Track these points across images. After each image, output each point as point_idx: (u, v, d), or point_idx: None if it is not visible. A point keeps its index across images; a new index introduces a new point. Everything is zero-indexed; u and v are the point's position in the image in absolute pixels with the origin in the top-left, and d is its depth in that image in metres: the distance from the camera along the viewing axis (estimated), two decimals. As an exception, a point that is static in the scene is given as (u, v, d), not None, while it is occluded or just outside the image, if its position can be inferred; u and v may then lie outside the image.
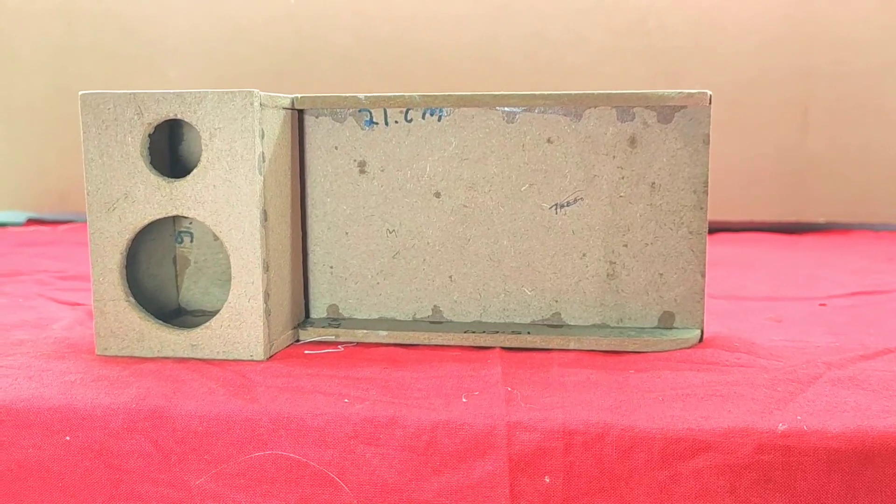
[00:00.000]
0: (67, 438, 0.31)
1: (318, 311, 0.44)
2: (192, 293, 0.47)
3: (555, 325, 0.43)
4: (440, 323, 0.43)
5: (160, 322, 0.39)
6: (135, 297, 0.39)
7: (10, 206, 1.09)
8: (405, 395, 0.33)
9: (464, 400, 0.32)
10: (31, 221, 1.07)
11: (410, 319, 0.44)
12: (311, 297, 0.44)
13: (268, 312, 0.39)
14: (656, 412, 0.31)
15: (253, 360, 0.38)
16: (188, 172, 0.39)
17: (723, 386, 0.34)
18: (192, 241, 0.46)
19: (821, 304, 0.54)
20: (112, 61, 1.06)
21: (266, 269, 0.38)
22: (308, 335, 0.42)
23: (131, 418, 0.31)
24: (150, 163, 0.39)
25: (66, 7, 1.05)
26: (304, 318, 0.44)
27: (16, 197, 1.09)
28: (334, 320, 0.44)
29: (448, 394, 0.33)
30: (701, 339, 0.42)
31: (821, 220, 0.98)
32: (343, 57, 1.02)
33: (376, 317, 0.44)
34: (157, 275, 0.45)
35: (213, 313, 0.46)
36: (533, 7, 0.95)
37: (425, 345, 0.42)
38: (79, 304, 0.51)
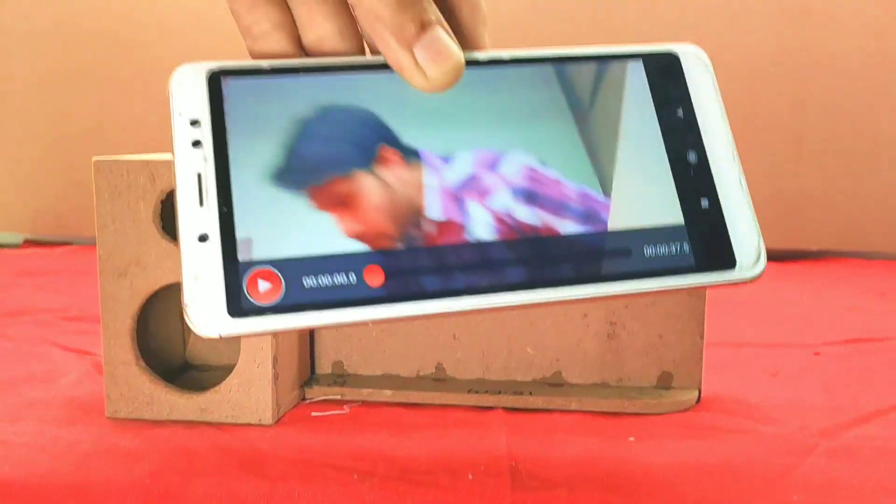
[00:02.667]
0: (82, 514, 0.32)
1: (324, 366, 0.45)
2: (198, 348, 0.47)
3: (556, 385, 0.44)
4: (443, 381, 0.44)
5: (170, 385, 0.40)
6: (143, 353, 0.40)
7: (6, 227, 1.09)
8: (413, 470, 0.34)
9: (470, 477, 0.33)
10: (28, 243, 1.07)
11: (414, 377, 0.45)
12: (317, 353, 0.45)
13: (276, 377, 0.39)
14: (657, 491, 0.32)
15: (262, 425, 0.39)
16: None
17: (721, 460, 0.35)
18: (199, 297, 0.47)
19: (815, 354, 0.55)
20: (109, 83, 1.06)
21: (275, 334, 0.39)
22: (314, 393, 0.43)
23: (146, 497, 0.32)
24: (162, 227, 0.39)
25: (63, 28, 1.05)
26: (309, 373, 0.45)
27: (12, 219, 1.09)
28: (339, 377, 0.44)
29: (454, 469, 0.34)
30: (699, 400, 0.43)
31: (814, 248, 1.00)
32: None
33: (380, 373, 0.45)
34: (164, 330, 0.45)
35: (219, 368, 0.46)
36: (527, 33, 0.96)
37: (429, 404, 0.42)
38: (84, 353, 0.51)
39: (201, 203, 0.27)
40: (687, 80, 0.33)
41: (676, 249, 0.31)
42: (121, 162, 0.39)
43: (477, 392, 0.43)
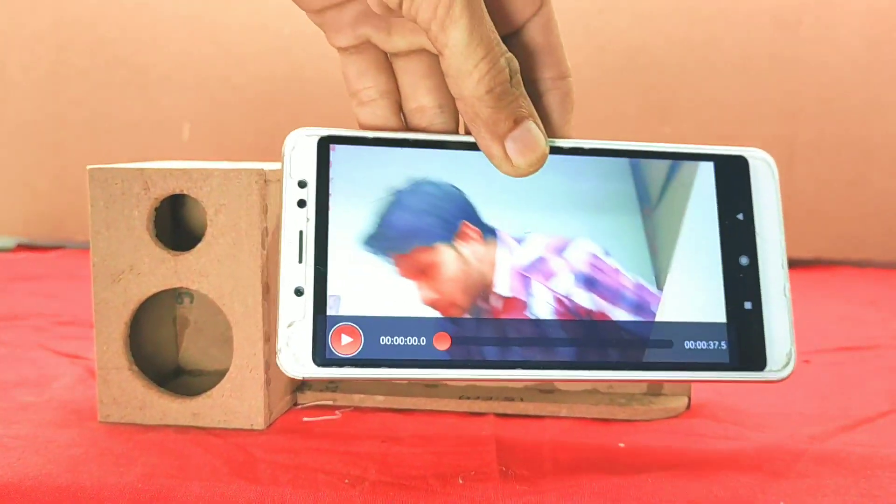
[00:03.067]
0: (74, 518, 0.32)
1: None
2: (191, 353, 0.47)
3: (546, 391, 0.44)
4: (435, 387, 0.44)
5: (162, 390, 0.40)
6: (135, 357, 0.40)
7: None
8: (404, 475, 0.34)
9: (460, 481, 0.34)
10: (21, 247, 1.07)
11: (406, 382, 0.45)
12: (309, 358, 0.45)
13: (268, 382, 0.40)
14: (646, 497, 0.32)
15: (253, 430, 0.39)
16: (191, 238, 0.40)
17: (710, 465, 0.36)
18: (191, 302, 0.47)
19: (805, 361, 0.55)
20: (104, 88, 1.06)
21: (267, 339, 0.39)
22: (306, 399, 0.43)
23: (138, 499, 0.32)
24: (156, 234, 0.39)
25: (58, 32, 1.05)
26: (301, 379, 0.45)
27: (5, 222, 1.09)
28: (331, 382, 0.45)
29: (445, 473, 0.34)
30: (688, 407, 0.43)
31: (805, 256, 1.00)
32: (336, 87, 1.03)
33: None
34: (157, 335, 0.45)
35: (212, 373, 0.47)
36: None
37: (421, 410, 0.43)
38: (77, 357, 0.51)
39: (300, 260, 0.31)
40: (752, 185, 0.35)
41: (715, 346, 0.33)
42: (115, 170, 0.39)
43: (468, 398, 0.43)
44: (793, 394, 0.47)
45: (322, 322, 0.31)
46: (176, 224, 0.46)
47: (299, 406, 0.43)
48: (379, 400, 0.43)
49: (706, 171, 0.35)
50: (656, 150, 0.34)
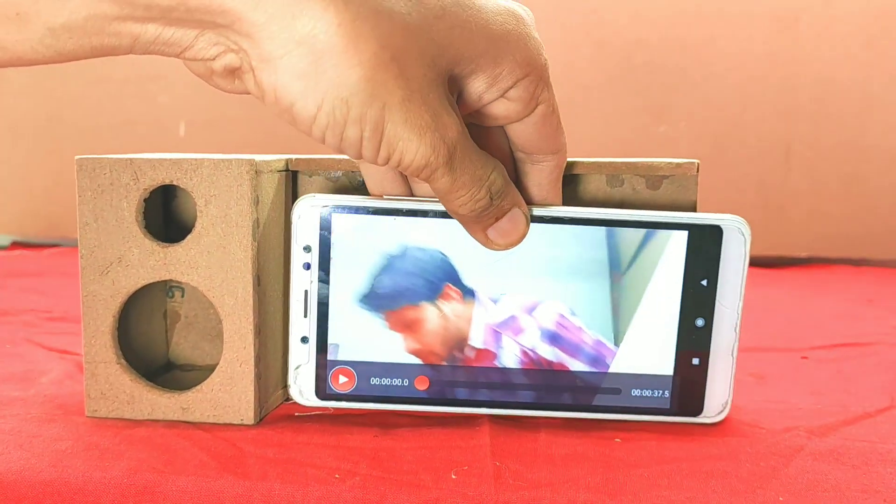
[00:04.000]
0: (59, 513, 0.32)
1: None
2: (181, 348, 0.47)
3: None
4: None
5: (151, 384, 0.39)
6: (125, 352, 0.40)
7: (-6, 229, 1.08)
8: (395, 470, 0.34)
9: (453, 476, 0.33)
10: (16, 245, 1.07)
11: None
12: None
13: (258, 376, 0.39)
14: (642, 492, 0.32)
15: (244, 425, 0.39)
16: (181, 230, 0.39)
17: (707, 461, 0.35)
18: (182, 296, 0.46)
19: (803, 357, 0.55)
20: (101, 85, 1.05)
21: (258, 333, 0.39)
22: (298, 394, 0.43)
23: (123, 494, 0.32)
24: (145, 226, 0.39)
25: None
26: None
27: (0, 220, 1.08)
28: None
29: (437, 468, 0.34)
30: (685, 402, 0.43)
31: (802, 254, 1.00)
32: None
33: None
34: (147, 329, 0.45)
35: (202, 368, 0.46)
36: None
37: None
38: (67, 353, 0.51)
39: (305, 315, 0.38)
40: (721, 253, 0.38)
41: (658, 394, 0.39)
42: (104, 160, 0.38)
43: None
44: (790, 390, 0.46)
45: (323, 364, 0.38)
46: (167, 219, 0.45)
47: (291, 401, 0.42)
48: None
49: (679, 239, 0.38)
50: (633, 220, 0.38)
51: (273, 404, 0.41)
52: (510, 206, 0.34)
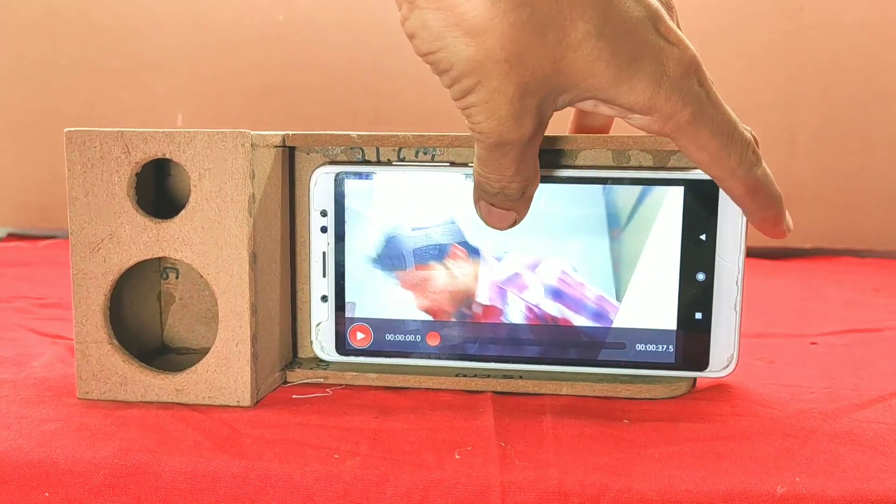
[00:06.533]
0: (47, 494, 0.30)
1: (307, 350, 0.44)
2: (176, 330, 0.46)
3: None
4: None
5: (144, 365, 0.38)
6: (118, 335, 0.38)
7: (-10, 221, 1.07)
8: (396, 450, 0.32)
9: (457, 456, 0.32)
10: (12, 237, 1.05)
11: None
12: (299, 335, 0.43)
13: (255, 357, 0.38)
14: (652, 472, 0.31)
15: (240, 406, 0.37)
16: (175, 208, 0.38)
17: (718, 441, 0.34)
18: (177, 278, 0.45)
19: (812, 343, 0.53)
20: (96, 76, 1.04)
21: (254, 312, 0.38)
22: (296, 377, 0.41)
23: (113, 474, 0.30)
24: (137, 201, 0.38)
25: (50, 20, 1.04)
26: (292, 357, 0.43)
27: (-4, 212, 1.07)
28: (322, 360, 0.43)
29: (440, 448, 0.33)
30: (694, 384, 0.42)
31: (807, 245, 0.99)
32: (332, 74, 1.01)
33: (365, 357, 0.44)
34: (141, 312, 0.44)
35: (197, 350, 0.45)
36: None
37: (416, 388, 0.41)
38: (59, 337, 0.50)
39: (324, 275, 0.41)
40: (719, 207, 0.38)
41: (663, 348, 0.40)
42: (93, 132, 0.37)
43: (465, 376, 0.41)
44: (801, 374, 0.45)
45: (342, 321, 0.41)
46: (162, 199, 0.44)
47: (289, 384, 0.41)
48: (371, 378, 0.41)
49: (675, 195, 0.38)
50: (628, 178, 0.39)
51: (271, 386, 0.40)
52: (510, 209, 0.35)
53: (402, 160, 0.41)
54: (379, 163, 0.41)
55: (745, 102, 0.97)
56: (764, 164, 0.35)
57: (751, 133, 0.35)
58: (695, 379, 0.42)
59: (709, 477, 0.30)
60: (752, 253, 0.96)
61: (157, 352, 0.45)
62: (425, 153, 0.41)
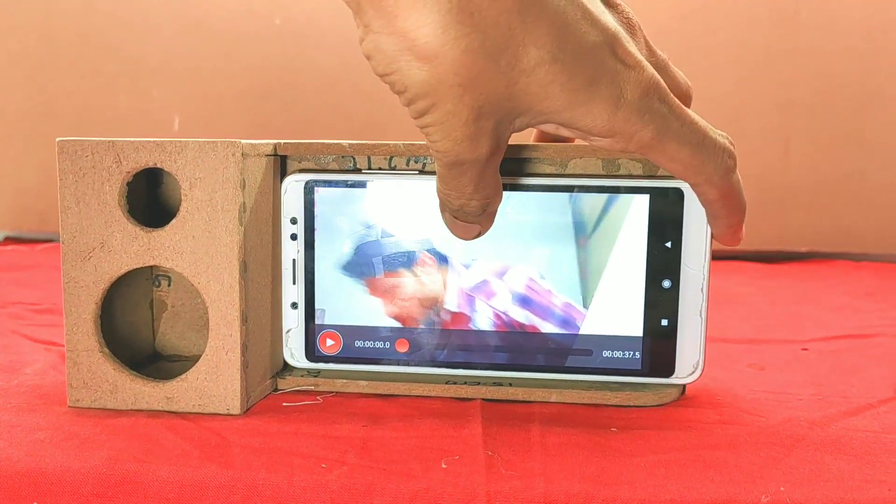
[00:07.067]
0: None
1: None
2: (168, 338, 0.46)
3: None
4: (421, 373, 0.43)
5: (135, 373, 0.38)
6: (109, 342, 0.39)
7: (-14, 224, 1.07)
8: (384, 459, 0.33)
9: (444, 466, 0.32)
10: (9, 240, 1.06)
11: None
12: (291, 343, 0.44)
13: (245, 365, 0.38)
14: (638, 481, 0.31)
15: (230, 415, 0.38)
16: (167, 216, 0.38)
17: (705, 450, 0.34)
18: (169, 285, 0.45)
19: (803, 349, 0.54)
20: (93, 79, 1.04)
21: (244, 320, 0.38)
22: (287, 384, 0.42)
23: (102, 484, 0.31)
24: (128, 210, 0.38)
25: (47, 23, 1.04)
26: (282, 365, 0.43)
27: (-7, 215, 1.07)
28: (314, 369, 0.43)
29: (427, 458, 0.33)
30: (683, 392, 0.42)
31: (801, 249, 0.99)
32: (327, 78, 1.01)
33: (356, 364, 0.44)
34: (133, 319, 0.44)
35: (189, 358, 0.45)
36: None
37: (406, 395, 0.41)
38: (53, 344, 0.50)
39: (294, 282, 0.41)
40: (684, 215, 0.39)
41: (629, 355, 0.40)
42: (85, 142, 0.37)
43: (455, 383, 0.41)
44: (791, 380, 0.45)
45: (312, 328, 0.41)
46: (153, 209, 0.44)
47: (280, 392, 0.42)
48: (362, 385, 0.41)
49: (641, 203, 0.39)
50: (594, 185, 0.39)
51: (261, 394, 0.40)
52: (473, 223, 0.36)
53: (394, 169, 0.41)
54: (349, 171, 0.41)
55: (741, 106, 0.97)
56: (736, 171, 0.35)
57: (726, 138, 0.35)
58: (684, 386, 0.42)
59: (694, 486, 0.31)
60: (746, 256, 0.96)
61: (149, 359, 0.45)
62: (416, 161, 0.41)
